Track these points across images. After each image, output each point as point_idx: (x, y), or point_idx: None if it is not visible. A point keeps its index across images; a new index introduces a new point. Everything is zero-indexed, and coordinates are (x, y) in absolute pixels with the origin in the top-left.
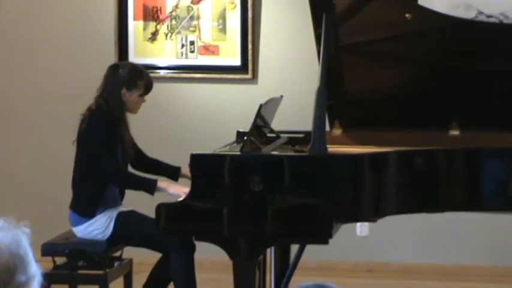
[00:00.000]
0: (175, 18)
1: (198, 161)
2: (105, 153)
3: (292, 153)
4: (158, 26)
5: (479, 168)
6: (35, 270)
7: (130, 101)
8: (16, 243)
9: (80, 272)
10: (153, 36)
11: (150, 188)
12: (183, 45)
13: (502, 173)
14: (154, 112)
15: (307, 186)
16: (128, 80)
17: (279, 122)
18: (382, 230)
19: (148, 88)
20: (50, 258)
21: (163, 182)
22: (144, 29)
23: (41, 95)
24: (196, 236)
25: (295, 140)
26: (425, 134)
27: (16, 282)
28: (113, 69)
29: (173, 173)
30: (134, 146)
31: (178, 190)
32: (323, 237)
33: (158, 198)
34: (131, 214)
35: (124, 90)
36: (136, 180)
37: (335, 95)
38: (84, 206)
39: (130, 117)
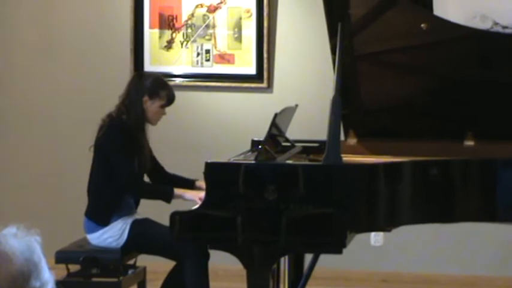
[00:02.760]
0: (191, 26)
1: (213, 169)
2: (122, 162)
3: (307, 163)
4: (174, 35)
5: (494, 179)
6: (48, 276)
7: (151, 111)
8: (30, 249)
9: (94, 279)
10: (169, 45)
11: (167, 196)
12: (198, 54)
13: None
14: (168, 120)
15: (321, 195)
16: (151, 89)
17: (293, 131)
18: (397, 239)
19: (170, 100)
20: (63, 266)
21: (178, 189)
22: (160, 37)
23: (57, 103)
24: (211, 244)
25: (310, 149)
26: (440, 144)
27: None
28: (137, 78)
29: (188, 186)
30: (152, 158)
31: (194, 196)
32: (337, 246)
33: (172, 206)
34: (146, 222)
35: (146, 98)
36: (152, 190)
37: (350, 105)
38: (100, 213)
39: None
